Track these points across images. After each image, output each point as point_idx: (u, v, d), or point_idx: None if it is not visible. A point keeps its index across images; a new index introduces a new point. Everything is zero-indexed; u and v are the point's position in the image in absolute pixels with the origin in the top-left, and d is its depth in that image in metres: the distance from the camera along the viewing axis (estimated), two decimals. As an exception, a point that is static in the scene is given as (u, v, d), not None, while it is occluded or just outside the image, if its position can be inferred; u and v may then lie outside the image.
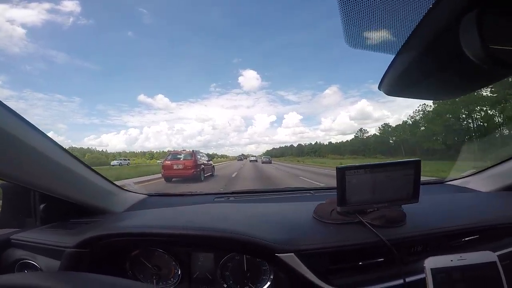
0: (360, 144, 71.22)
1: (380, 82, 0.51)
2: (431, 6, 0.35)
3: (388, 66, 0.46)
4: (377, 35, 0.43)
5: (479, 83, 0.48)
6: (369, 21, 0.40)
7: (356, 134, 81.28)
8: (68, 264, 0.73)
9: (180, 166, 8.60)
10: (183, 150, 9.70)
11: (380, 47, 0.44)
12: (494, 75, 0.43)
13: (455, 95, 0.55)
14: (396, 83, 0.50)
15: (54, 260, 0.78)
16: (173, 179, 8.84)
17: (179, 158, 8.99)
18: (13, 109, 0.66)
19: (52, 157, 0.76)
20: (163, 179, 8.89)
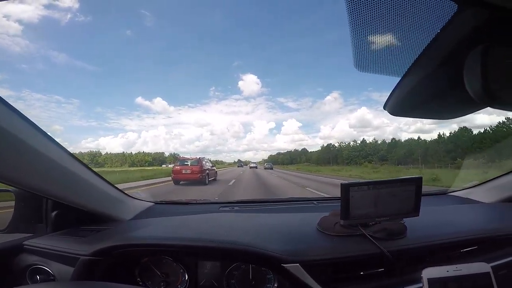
0: None
1: (385, 103, 0.53)
2: (439, 30, 0.36)
3: (394, 88, 0.48)
4: (385, 59, 0.44)
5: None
6: (378, 45, 0.42)
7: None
8: (82, 271, 0.75)
9: (188, 171, 9.73)
10: (186, 156, 10.72)
11: (387, 70, 0.46)
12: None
13: (462, 113, 0.55)
14: (402, 104, 0.51)
15: (67, 267, 0.79)
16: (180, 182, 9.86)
17: (187, 164, 10.10)
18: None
19: (65, 165, 0.77)
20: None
